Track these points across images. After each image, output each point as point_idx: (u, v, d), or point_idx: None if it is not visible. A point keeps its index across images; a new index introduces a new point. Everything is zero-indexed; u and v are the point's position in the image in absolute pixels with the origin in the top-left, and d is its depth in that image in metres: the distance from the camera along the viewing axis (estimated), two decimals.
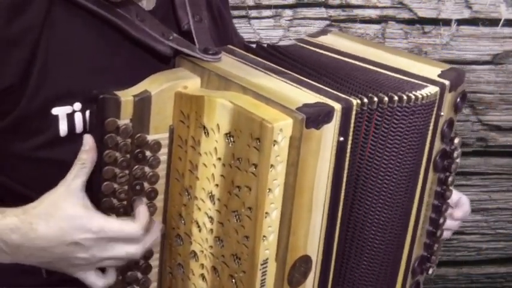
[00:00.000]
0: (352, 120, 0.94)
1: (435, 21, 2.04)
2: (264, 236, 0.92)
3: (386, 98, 0.97)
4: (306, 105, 0.90)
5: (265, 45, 1.14)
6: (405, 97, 0.98)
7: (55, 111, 0.99)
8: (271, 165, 0.88)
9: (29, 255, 0.94)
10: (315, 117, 0.89)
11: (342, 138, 0.94)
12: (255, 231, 0.91)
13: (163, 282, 1.07)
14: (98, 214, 0.94)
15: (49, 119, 0.99)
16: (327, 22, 1.98)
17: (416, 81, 1.03)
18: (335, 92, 0.95)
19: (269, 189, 0.89)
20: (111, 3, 1.00)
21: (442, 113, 1.04)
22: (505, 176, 2.27)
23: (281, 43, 1.94)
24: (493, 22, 2.07)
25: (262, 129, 0.86)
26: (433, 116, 1.03)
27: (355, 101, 0.94)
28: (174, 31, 1.05)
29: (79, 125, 1.01)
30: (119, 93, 0.95)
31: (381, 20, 2.01)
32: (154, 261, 1.06)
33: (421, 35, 2.04)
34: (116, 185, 0.98)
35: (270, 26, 1.95)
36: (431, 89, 1.01)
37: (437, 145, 1.08)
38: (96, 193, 0.97)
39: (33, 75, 0.97)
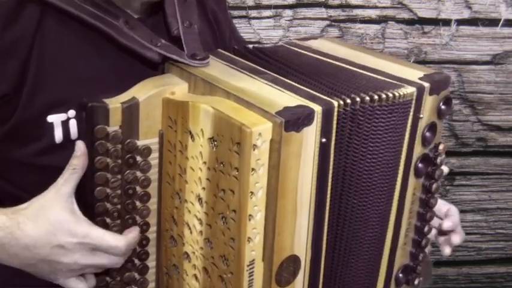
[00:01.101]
0: (335, 121, 0.95)
1: (435, 22, 2.05)
2: (249, 238, 0.93)
3: (367, 98, 0.97)
4: (286, 109, 0.91)
5: (252, 46, 1.15)
6: (376, 96, 0.98)
7: (50, 118, 1.02)
8: (252, 169, 0.90)
9: (13, 254, 0.96)
10: (295, 120, 0.90)
11: (324, 140, 0.95)
12: (239, 234, 0.93)
13: (161, 282, 1.10)
14: (84, 221, 0.97)
15: (45, 126, 1.03)
16: (327, 22, 2.00)
17: (394, 81, 1.03)
18: (316, 94, 0.96)
19: (251, 192, 0.91)
20: (101, 10, 1.02)
21: (421, 115, 1.04)
22: (505, 176, 2.27)
23: (281, 43, 1.95)
24: (493, 22, 2.07)
25: (241, 133, 0.88)
26: (410, 117, 1.03)
27: (336, 102, 0.95)
28: (165, 37, 1.07)
29: (74, 132, 1.04)
30: (107, 100, 0.97)
31: (381, 20, 2.02)
32: (151, 262, 1.08)
33: (420, 35, 2.05)
34: (108, 190, 1.00)
35: (270, 26, 1.97)
36: (408, 89, 1.02)
37: (418, 149, 1.08)
38: (90, 198, 1.00)
39: (27, 84, 1.01)
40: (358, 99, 0.97)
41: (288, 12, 1.97)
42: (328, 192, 0.99)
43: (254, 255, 0.95)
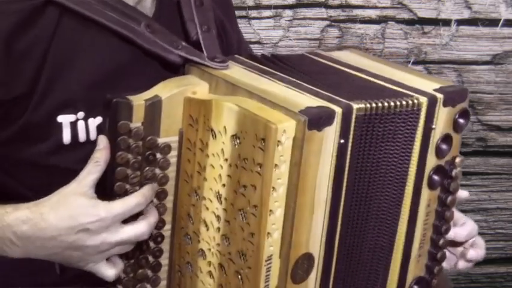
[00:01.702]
0: (353, 124, 0.99)
1: (435, 22, 2.05)
2: (269, 233, 0.96)
3: (380, 104, 1.01)
4: (308, 108, 0.95)
5: (270, 55, 1.19)
6: (386, 104, 1.02)
7: (60, 118, 1.05)
8: (275, 165, 0.93)
9: (40, 246, 0.98)
10: (317, 119, 0.94)
11: (342, 141, 0.98)
12: (259, 228, 0.96)
13: (173, 280, 1.11)
14: (103, 201, 0.99)
15: (54, 126, 1.05)
16: (327, 22, 2.00)
17: (406, 91, 1.07)
18: (335, 97, 1.00)
19: (273, 187, 0.94)
20: (121, 15, 1.05)
21: (433, 126, 1.07)
22: (505, 176, 2.28)
23: (281, 43, 1.97)
24: (493, 22, 2.08)
25: (267, 130, 0.91)
26: (421, 127, 1.06)
27: (355, 106, 0.99)
28: (180, 38, 1.10)
29: (82, 133, 1.06)
30: (131, 97, 1.00)
31: (381, 20, 2.03)
32: (164, 260, 1.10)
33: (420, 35, 2.05)
34: (127, 186, 1.02)
35: (270, 26, 1.97)
36: (419, 98, 1.05)
37: (432, 160, 1.10)
38: (109, 193, 1.02)
39: (40, 84, 1.03)
40: (374, 105, 1.01)
41: (288, 13, 1.97)
42: (343, 192, 1.03)
43: (272, 250, 0.98)
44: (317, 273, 1.05)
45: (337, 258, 1.07)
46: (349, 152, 1.00)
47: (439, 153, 1.11)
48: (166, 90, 1.03)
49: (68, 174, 1.00)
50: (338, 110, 0.96)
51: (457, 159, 1.14)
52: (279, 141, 0.92)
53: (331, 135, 0.97)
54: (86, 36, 1.05)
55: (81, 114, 1.05)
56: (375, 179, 1.06)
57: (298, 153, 0.94)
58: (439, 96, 1.07)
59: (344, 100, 0.99)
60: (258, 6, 1.95)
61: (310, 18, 1.99)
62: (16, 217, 0.98)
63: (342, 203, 1.03)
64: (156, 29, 1.08)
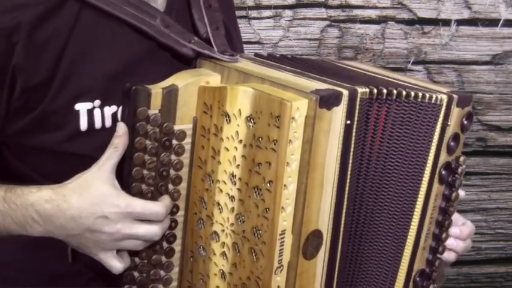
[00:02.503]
0: (357, 106, 1.07)
1: (435, 22, 2.08)
2: (282, 207, 1.02)
3: (395, 91, 1.10)
4: (317, 90, 1.02)
5: (278, 55, 1.27)
6: (413, 93, 1.11)
7: (77, 106, 1.10)
8: (290, 141, 1.00)
9: (60, 226, 1.03)
10: (327, 98, 1.01)
11: (348, 122, 1.06)
12: (274, 203, 1.02)
13: (185, 265, 1.16)
14: (125, 193, 1.05)
15: (72, 113, 1.10)
16: (327, 22, 2.03)
17: (426, 88, 1.18)
18: (342, 83, 1.08)
19: (287, 162, 1.01)
20: (138, 10, 1.12)
21: (449, 123, 1.16)
22: (505, 176, 2.31)
23: (281, 43, 2.01)
24: (493, 22, 2.11)
25: (282, 107, 0.98)
26: (439, 122, 1.15)
27: (360, 90, 1.06)
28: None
29: (98, 121, 1.12)
30: (149, 86, 1.06)
31: (381, 20, 2.06)
32: (177, 246, 1.15)
33: (420, 35, 2.09)
34: (145, 171, 1.08)
35: (270, 26, 2.01)
36: (440, 95, 1.15)
37: (443, 156, 1.19)
38: (127, 178, 1.07)
39: (59, 73, 1.08)
40: (377, 90, 1.09)
41: (288, 13, 2.00)
42: (349, 172, 1.09)
43: (285, 225, 1.04)
44: (325, 251, 1.10)
45: (343, 238, 1.13)
46: (354, 133, 1.08)
47: (450, 150, 1.19)
48: (181, 79, 1.09)
49: (85, 161, 1.06)
50: (345, 92, 1.04)
51: (462, 158, 1.23)
52: (293, 117, 0.99)
53: (338, 115, 1.04)
54: (105, 29, 1.11)
55: (97, 102, 1.11)
56: (384, 164, 1.13)
57: (310, 131, 1.01)
58: (455, 96, 1.17)
59: (349, 85, 1.07)
60: (258, 6, 1.99)
61: (310, 18, 2.03)
62: (39, 196, 1.03)
63: (347, 183, 1.10)
64: (170, 24, 1.15)
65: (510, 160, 2.30)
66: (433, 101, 1.14)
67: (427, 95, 1.13)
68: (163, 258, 1.14)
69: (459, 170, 1.23)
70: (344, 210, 1.11)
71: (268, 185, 1.02)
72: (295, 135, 1.00)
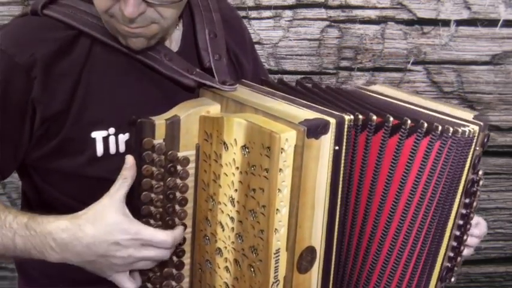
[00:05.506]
0: (345, 133, 1.15)
1: (434, 22, 2.09)
2: (276, 229, 1.12)
3: (375, 117, 1.18)
4: (306, 120, 1.11)
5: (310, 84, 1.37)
6: (452, 129, 1.19)
7: (93, 134, 1.21)
8: (280, 169, 1.09)
9: (76, 253, 1.13)
10: (314, 128, 1.10)
11: (337, 147, 1.14)
12: (268, 226, 1.11)
13: (195, 276, 1.27)
14: (136, 221, 1.14)
15: (89, 141, 1.21)
16: (327, 23, 2.05)
17: (456, 120, 1.25)
18: (331, 111, 1.16)
19: (279, 189, 1.10)
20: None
21: (477, 148, 1.25)
22: (504, 176, 2.32)
23: (281, 43, 2.02)
24: (492, 23, 2.11)
25: (271, 139, 1.07)
26: (471, 151, 1.24)
27: (347, 117, 1.15)
28: (197, 68, 1.27)
29: (112, 147, 1.23)
30: (154, 117, 1.16)
31: (380, 20, 2.07)
32: (187, 259, 1.25)
33: (420, 36, 2.09)
34: (153, 195, 1.18)
35: (270, 26, 2.03)
36: (473, 127, 1.23)
37: (470, 176, 1.28)
38: (137, 202, 1.17)
39: (75, 104, 1.20)
40: (374, 117, 1.18)
41: (288, 13, 2.02)
42: (339, 193, 1.18)
43: (279, 244, 1.13)
44: (319, 265, 1.20)
45: (336, 251, 1.22)
46: (343, 157, 1.16)
47: (474, 169, 1.29)
48: (183, 110, 1.19)
49: (103, 183, 1.16)
50: (332, 121, 1.12)
51: (480, 172, 1.33)
52: (282, 148, 1.08)
53: (327, 142, 1.12)
54: (115, 62, 1.22)
55: (112, 130, 1.22)
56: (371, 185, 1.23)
57: (299, 159, 1.10)
58: (482, 124, 1.25)
59: (337, 112, 1.15)
60: (258, 7, 2.01)
61: (310, 19, 2.04)
62: (57, 226, 1.13)
63: (338, 202, 1.19)
64: (173, 58, 1.24)
65: (509, 160, 2.31)
66: (466, 135, 1.21)
67: (460, 130, 1.20)
68: (175, 271, 1.25)
69: (480, 182, 1.33)
70: (336, 226, 1.20)
71: (262, 208, 1.11)
72: (285, 163, 1.09)
